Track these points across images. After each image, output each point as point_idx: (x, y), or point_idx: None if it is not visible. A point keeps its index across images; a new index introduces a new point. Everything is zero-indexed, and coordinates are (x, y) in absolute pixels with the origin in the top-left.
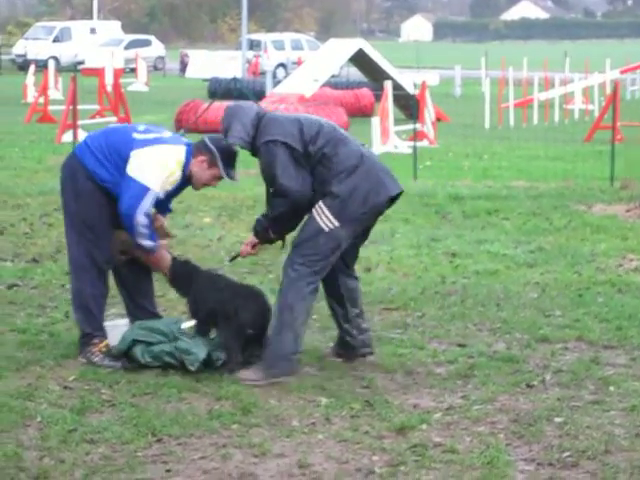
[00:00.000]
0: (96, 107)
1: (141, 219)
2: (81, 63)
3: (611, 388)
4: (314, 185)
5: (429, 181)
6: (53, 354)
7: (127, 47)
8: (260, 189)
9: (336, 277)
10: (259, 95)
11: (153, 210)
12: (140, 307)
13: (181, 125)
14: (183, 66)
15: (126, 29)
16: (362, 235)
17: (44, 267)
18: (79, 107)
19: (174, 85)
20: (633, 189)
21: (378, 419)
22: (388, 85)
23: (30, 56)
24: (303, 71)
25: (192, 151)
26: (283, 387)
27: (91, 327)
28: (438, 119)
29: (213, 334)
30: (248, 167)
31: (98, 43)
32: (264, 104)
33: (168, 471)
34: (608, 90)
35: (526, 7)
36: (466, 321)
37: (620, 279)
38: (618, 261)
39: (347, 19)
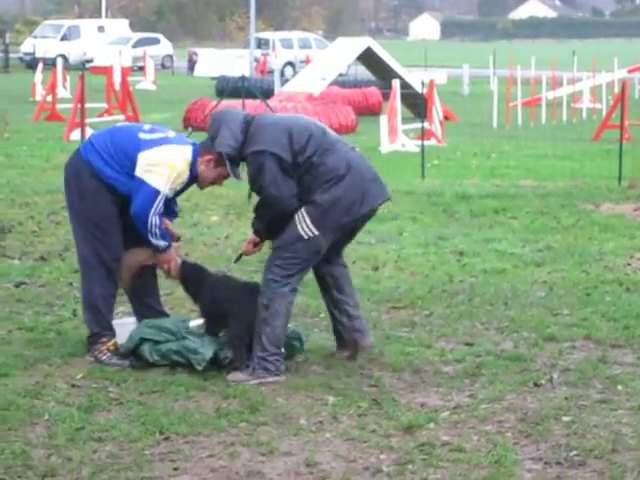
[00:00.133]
0: (104, 105)
1: (154, 220)
2: (90, 61)
3: (619, 387)
4: (300, 193)
5: (437, 180)
6: (61, 352)
7: (135, 45)
8: None
9: (319, 267)
10: (267, 94)
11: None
12: (147, 306)
13: (189, 123)
14: (191, 64)
15: (134, 27)
16: (346, 237)
17: (52, 265)
18: (87, 105)
19: (182, 83)
20: None
21: (385, 418)
22: (396, 84)
23: (38, 54)
24: (311, 70)
25: (198, 150)
26: (290, 386)
27: (99, 326)
28: (446, 118)
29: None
30: None
31: (106, 41)
32: (272, 102)
33: (176, 469)
34: (616, 89)
35: (534, 6)
36: (474, 320)
37: (628, 278)
38: (626, 260)
39: (355, 18)
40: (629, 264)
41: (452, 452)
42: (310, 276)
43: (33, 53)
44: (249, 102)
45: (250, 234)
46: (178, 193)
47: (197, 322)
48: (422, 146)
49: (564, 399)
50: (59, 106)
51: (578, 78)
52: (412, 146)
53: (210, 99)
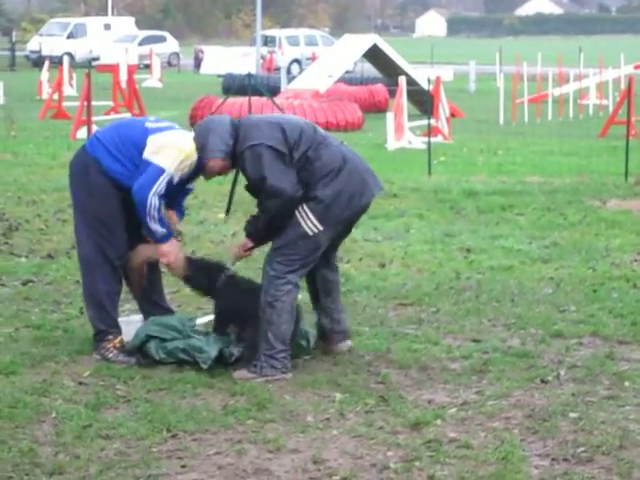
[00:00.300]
0: (110, 103)
1: (153, 200)
2: (96, 59)
3: (626, 383)
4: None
5: (443, 177)
6: (68, 350)
7: (141, 43)
8: None
9: (315, 269)
10: (273, 91)
11: (170, 211)
12: (152, 303)
13: (195, 121)
14: (197, 62)
15: (140, 25)
16: (344, 232)
17: (59, 263)
18: (93, 103)
19: (188, 81)
20: None
21: (393, 414)
22: (402, 81)
23: (44, 52)
24: (317, 67)
25: None
26: (297, 383)
27: (105, 324)
28: (452, 115)
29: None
30: None
31: (112, 39)
32: (279, 100)
33: (183, 467)
34: (623, 85)
35: (540, 2)
36: (481, 316)
37: (635, 274)
38: (633, 256)
39: (361, 15)
40: (636, 260)
41: (459, 449)
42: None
43: (39, 51)
44: (255, 99)
45: (242, 238)
46: (184, 183)
47: (204, 320)
48: (428, 143)
49: (571, 395)
50: (65, 104)
51: (585, 74)
52: (418, 143)
53: (216, 97)
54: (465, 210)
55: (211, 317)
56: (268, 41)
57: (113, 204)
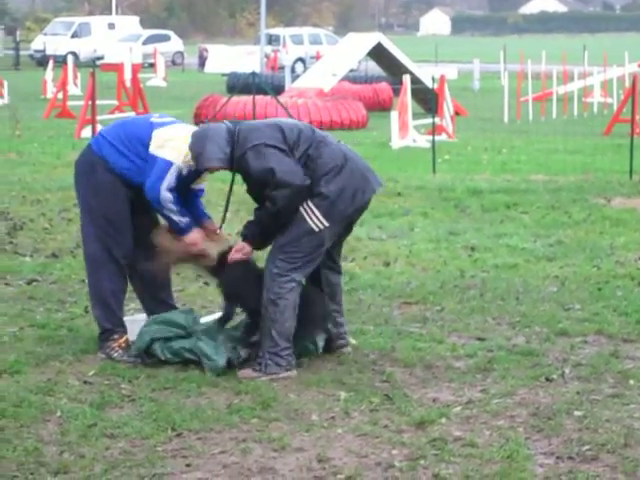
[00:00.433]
0: (115, 102)
1: (166, 195)
2: (100, 58)
3: (631, 382)
4: None
5: (448, 175)
6: (72, 349)
7: (145, 42)
8: None
9: (319, 271)
10: (278, 90)
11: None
12: (160, 301)
13: (200, 120)
14: (202, 61)
15: (144, 24)
16: (346, 230)
17: (63, 262)
18: (98, 102)
19: (193, 80)
20: None
21: (397, 413)
22: (407, 79)
23: (49, 52)
24: (322, 65)
25: None
26: (302, 381)
27: (110, 323)
28: (457, 113)
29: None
30: None
31: (116, 38)
32: (283, 99)
33: (188, 465)
34: (627, 83)
35: (545, 0)
36: (485, 315)
37: (639, 272)
38: (637, 254)
39: (365, 13)
40: None
41: (464, 447)
42: None
43: (44, 50)
44: (260, 98)
45: (238, 242)
46: (192, 180)
47: (208, 319)
48: (433, 141)
49: (576, 394)
50: (70, 103)
51: (589, 72)
52: (423, 141)
53: (221, 95)
54: (469, 208)
55: (215, 316)
56: (272, 40)
57: (120, 202)
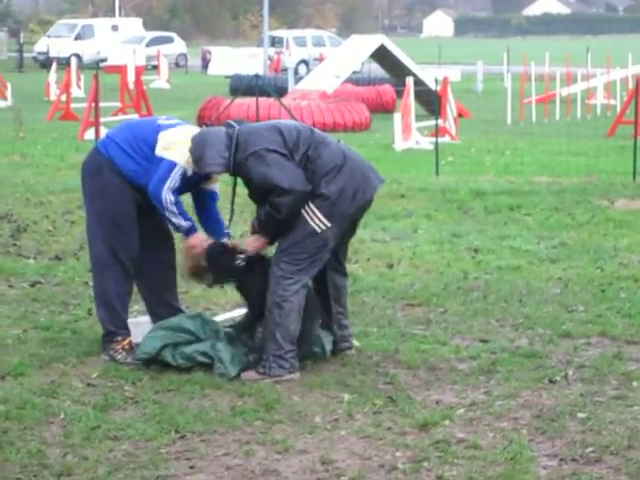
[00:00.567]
0: (118, 104)
1: (168, 196)
2: (103, 60)
3: (634, 383)
4: None
5: (451, 177)
6: (76, 351)
7: (149, 44)
8: None
9: (325, 273)
10: (281, 92)
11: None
12: (165, 303)
13: (203, 122)
14: (205, 63)
15: (148, 26)
16: (350, 230)
17: (67, 264)
18: (101, 104)
19: (196, 82)
20: None
21: (401, 415)
22: (410, 81)
23: (52, 54)
24: (325, 67)
25: None
26: (305, 383)
27: (114, 325)
28: (460, 115)
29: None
30: None
31: (120, 40)
32: (286, 101)
33: (191, 467)
34: (630, 85)
35: (548, 2)
36: (489, 317)
37: None
38: None
39: (369, 15)
40: None
41: (468, 449)
42: None
43: (47, 52)
44: (263, 100)
45: (253, 237)
46: (198, 183)
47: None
48: (436, 143)
49: (579, 395)
50: (73, 105)
51: (592, 74)
52: (426, 143)
53: (224, 97)
54: (473, 210)
55: (227, 315)
56: (275, 42)
57: (126, 204)
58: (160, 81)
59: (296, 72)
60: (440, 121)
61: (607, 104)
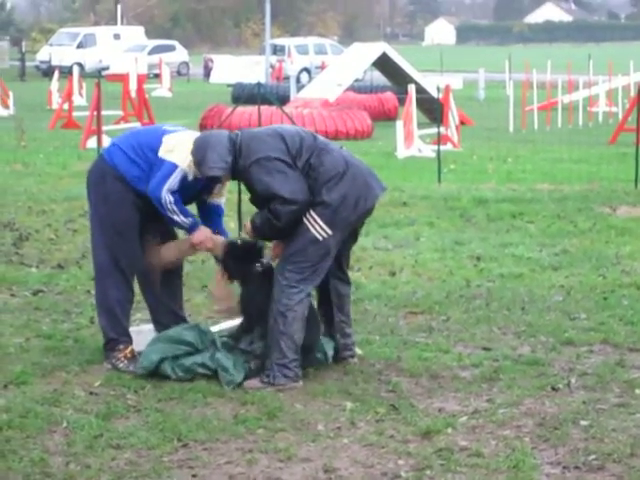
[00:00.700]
0: (120, 113)
1: (168, 197)
2: (105, 69)
3: (637, 391)
4: None
5: (453, 185)
6: (78, 360)
7: (151, 53)
8: None
9: (328, 282)
10: (283, 100)
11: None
12: (170, 312)
13: (206, 130)
14: (207, 71)
15: (150, 35)
16: (352, 237)
17: (69, 273)
18: (103, 113)
19: (198, 90)
20: None
21: (403, 423)
22: (412, 89)
23: (54, 62)
24: (327, 75)
25: None
26: (308, 392)
27: (116, 332)
28: (462, 122)
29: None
30: None
31: (122, 49)
32: (288, 109)
33: (194, 476)
34: (632, 92)
35: (550, 10)
36: (491, 324)
37: None
38: None
39: (370, 23)
40: None
41: (470, 457)
42: None
43: (49, 61)
44: (265, 109)
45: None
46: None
47: (214, 329)
48: (438, 151)
49: (582, 403)
50: (75, 114)
51: (594, 82)
52: (428, 151)
53: (226, 106)
54: (475, 218)
55: (223, 325)
56: (277, 50)
57: (128, 211)
58: (162, 89)
59: (298, 80)
60: (442, 129)
61: (609, 111)
